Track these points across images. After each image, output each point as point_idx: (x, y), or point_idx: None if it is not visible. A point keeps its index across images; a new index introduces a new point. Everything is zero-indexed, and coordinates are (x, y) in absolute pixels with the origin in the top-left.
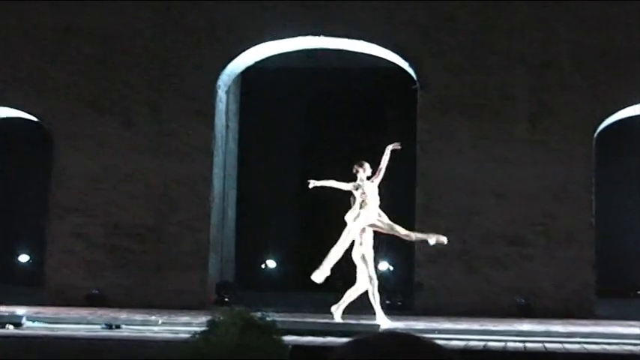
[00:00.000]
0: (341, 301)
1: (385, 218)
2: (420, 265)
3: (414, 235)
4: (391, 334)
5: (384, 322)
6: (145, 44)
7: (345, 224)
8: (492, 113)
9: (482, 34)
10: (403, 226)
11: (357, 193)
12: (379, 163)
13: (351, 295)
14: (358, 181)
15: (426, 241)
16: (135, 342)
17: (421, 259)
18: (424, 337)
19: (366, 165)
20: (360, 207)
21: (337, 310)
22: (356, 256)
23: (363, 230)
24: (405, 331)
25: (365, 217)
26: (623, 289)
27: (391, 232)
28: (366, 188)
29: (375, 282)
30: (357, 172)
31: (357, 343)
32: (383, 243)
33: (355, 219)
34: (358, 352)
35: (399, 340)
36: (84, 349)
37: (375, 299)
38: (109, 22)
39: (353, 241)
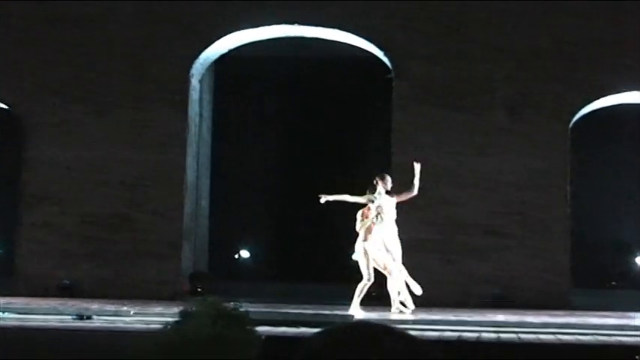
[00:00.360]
0: (392, 300)
1: (395, 235)
2: None
3: (403, 274)
4: (364, 324)
5: (357, 312)
6: (119, 32)
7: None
8: (469, 103)
9: (459, 22)
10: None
11: (372, 206)
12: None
13: (392, 288)
14: (375, 194)
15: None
16: (106, 333)
17: None
18: (397, 328)
19: (388, 178)
20: (375, 219)
21: (394, 307)
22: (358, 250)
23: (370, 229)
24: (378, 322)
25: (378, 231)
26: (598, 280)
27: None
28: (383, 202)
29: (371, 280)
30: (377, 184)
31: (330, 333)
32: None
33: (367, 235)
34: (331, 342)
35: (371, 331)
36: (54, 339)
37: (360, 292)
38: (82, 9)
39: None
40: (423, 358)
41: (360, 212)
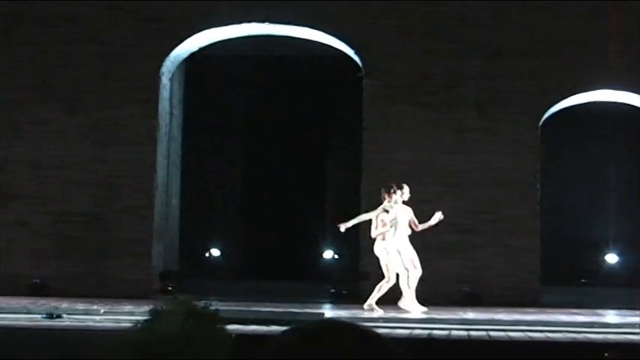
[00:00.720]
0: (373, 295)
1: (408, 244)
2: (365, 253)
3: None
4: (331, 322)
5: (417, 310)
6: (89, 30)
7: None
8: (440, 101)
9: (430, 21)
10: (350, 215)
11: (386, 216)
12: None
13: (380, 288)
14: (392, 203)
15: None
16: (76, 331)
17: (367, 248)
18: (364, 326)
19: (406, 189)
20: (390, 227)
21: (372, 301)
22: (378, 250)
23: (384, 225)
24: (345, 320)
25: (393, 238)
26: (568, 277)
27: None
28: (399, 212)
29: (409, 270)
30: (394, 193)
31: (296, 332)
32: (327, 231)
33: (385, 235)
34: (296, 341)
35: (337, 329)
36: (24, 339)
37: (407, 286)
38: (52, 7)
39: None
40: (387, 356)
41: (374, 218)
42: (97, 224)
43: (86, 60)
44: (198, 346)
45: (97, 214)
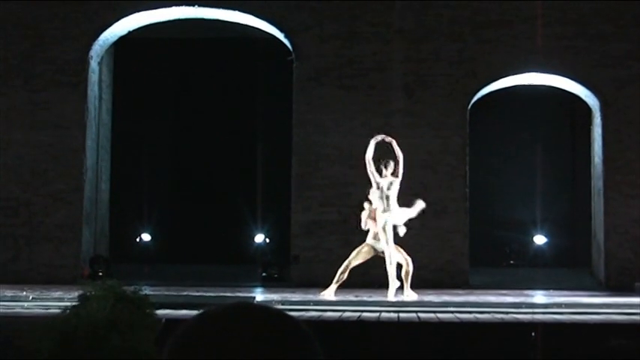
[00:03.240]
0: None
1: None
2: (296, 237)
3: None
4: (242, 305)
5: (412, 296)
6: (17, 13)
7: None
8: (368, 84)
9: (358, 4)
10: (280, 199)
11: (373, 191)
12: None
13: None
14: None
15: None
16: (4, 318)
17: (297, 231)
18: (277, 309)
19: (391, 164)
20: (386, 204)
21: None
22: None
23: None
24: (259, 303)
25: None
26: (496, 259)
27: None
28: (392, 187)
29: (409, 260)
30: (386, 167)
31: (205, 316)
32: (258, 214)
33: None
34: (205, 324)
35: (248, 312)
36: None
37: (407, 276)
38: None
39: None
40: (296, 338)
41: (366, 210)
42: (24, 209)
43: (13, 42)
44: (124, 330)
45: (25, 200)
